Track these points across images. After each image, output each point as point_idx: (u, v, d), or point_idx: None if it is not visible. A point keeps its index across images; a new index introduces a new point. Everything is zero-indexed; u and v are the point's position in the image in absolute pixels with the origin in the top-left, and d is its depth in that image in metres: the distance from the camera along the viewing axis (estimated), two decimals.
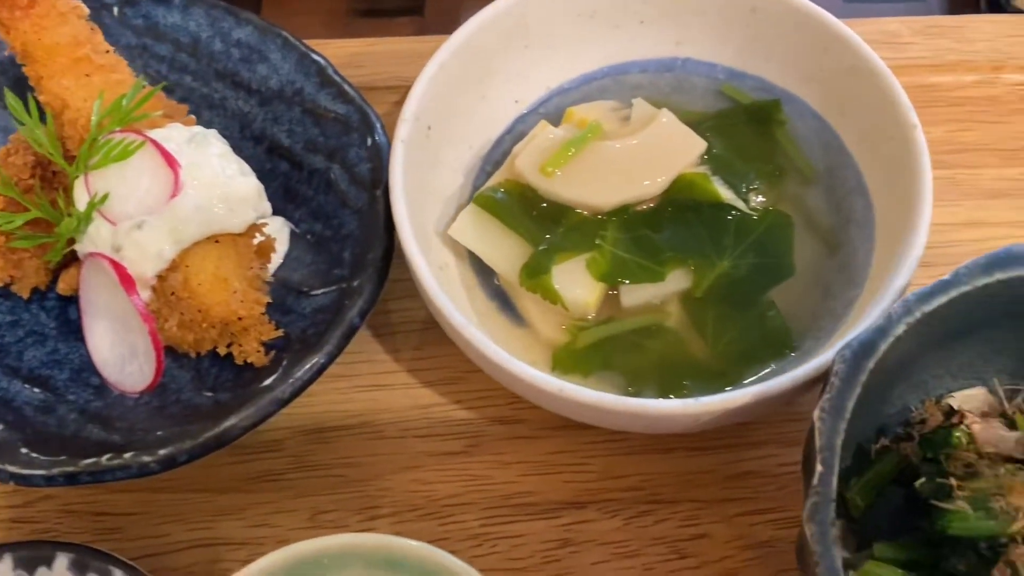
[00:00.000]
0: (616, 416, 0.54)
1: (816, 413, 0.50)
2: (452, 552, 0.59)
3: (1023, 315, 0.57)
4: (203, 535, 0.64)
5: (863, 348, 0.51)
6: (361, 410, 0.67)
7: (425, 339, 0.69)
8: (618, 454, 0.65)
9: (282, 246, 0.68)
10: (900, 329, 0.51)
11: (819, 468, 0.48)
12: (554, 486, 0.64)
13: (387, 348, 0.70)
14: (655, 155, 0.67)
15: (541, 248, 0.64)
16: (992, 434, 0.57)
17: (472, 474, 0.65)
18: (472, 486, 0.64)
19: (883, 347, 0.51)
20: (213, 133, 0.63)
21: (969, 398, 0.62)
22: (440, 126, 0.67)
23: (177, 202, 0.58)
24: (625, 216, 0.66)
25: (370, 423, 0.67)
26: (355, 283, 0.61)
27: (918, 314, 0.52)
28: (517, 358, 0.61)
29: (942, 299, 0.53)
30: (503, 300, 0.66)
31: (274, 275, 0.67)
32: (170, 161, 0.59)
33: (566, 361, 0.63)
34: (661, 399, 0.54)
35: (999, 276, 0.53)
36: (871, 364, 0.50)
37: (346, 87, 0.70)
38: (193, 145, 0.60)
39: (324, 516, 0.63)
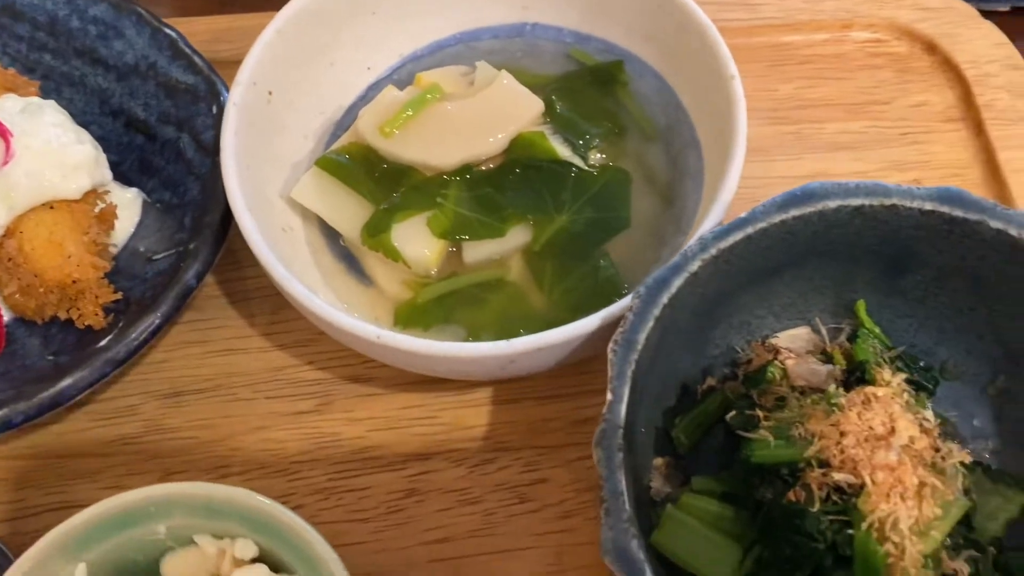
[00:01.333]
0: (431, 360, 0.56)
1: (609, 347, 0.52)
2: (298, 507, 0.62)
3: (829, 253, 0.59)
4: (58, 499, 0.65)
5: (656, 284, 0.53)
6: (215, 374, 0.69)
7: (280, 304, 0.70)
8: (467, 407, 0.67)
9: (135, 216, 0.69)
10: (695, 265, 0.53)
11: (608, 396, 0.50)
12: (402, 439, 0.66)
13: (242, 313, 0.71)
14: (494, 115, 0.68)
15: (382, 207, 0.66)
16: (805, 368, 0.60)
17: (322, 432, 0.66)
18: (321, 443, 0.66)
19: (677, 282, 0.53)
20: (51, 104, 0.64)
21: (794, 338, 0.64)
22: (283, 92, 0.68)
23: (8, 169, 0.59)
24: (467, 176, 0.68)
25: (223, 386, 0.68)
26: (192, 246, 0.62)
27: (714, 251, 0.54)
28: (363, 317, 0.62)
29: (738, 236, 0.55)
30: (350, 261, 0.68)
31: (127, 244, 0.68)
32: (1, 130, 0.60)
33: (407, 316, 0.65)
34: (471, 342, 0.56)
35: (794, 213, 0.56)
36: (664, 299, 0.52)
37: (196, 59, 0.71)
38: (26, 115, 0.61)
39: (175, 476, 0.65)
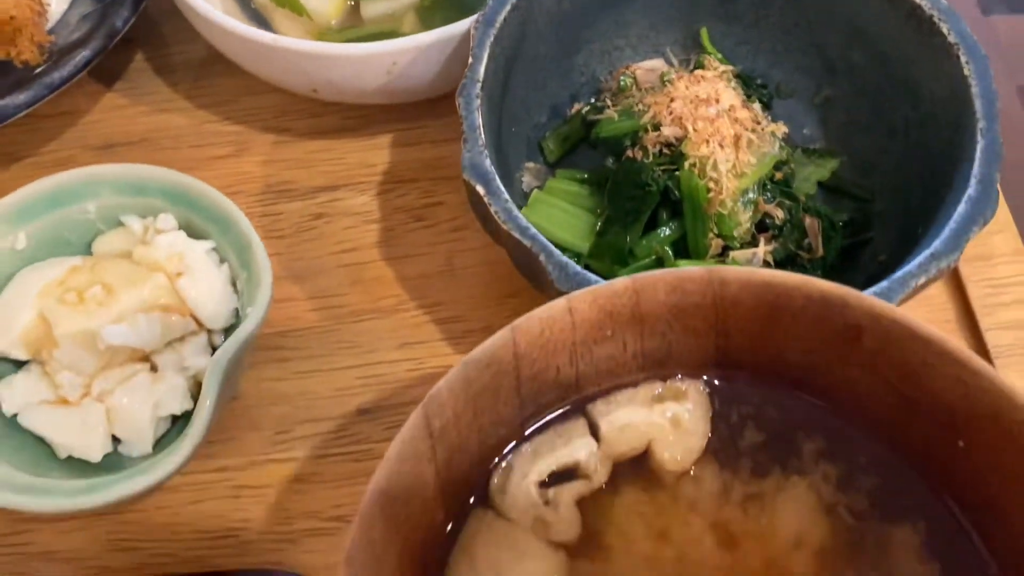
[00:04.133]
0: (323, 63, 0.64)
1: (471, 25, 0.60)
2: None
3: None
4: None
5: None
6: (143, 131, 0.76)
7: (202, 73, 0.79)
8: (372, 149, 0.75)
9: None
10: None
11: (470, 60, 0.59)
12: (312, 176, 0.74)
13: (167, 82, 0.79)
14: None
15: None
16: (652, 76, 0.69)
17: (239, 171, 0.74)
18: (239, 180, 0.74)
19: None
20: None
21: (650, 69, 0.73)
22: None
23: None
24: None
25: (151, 139, 0.76)
26: None
27: None
28: None
29: None
30: (260, 21, 0.76)
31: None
32: None
33: None
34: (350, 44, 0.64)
35: None
36: None
37: None
38: None
39: None
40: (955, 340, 0.42)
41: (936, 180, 0.60)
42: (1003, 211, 0.70)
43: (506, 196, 0.53)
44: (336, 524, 0.60)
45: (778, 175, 0.63)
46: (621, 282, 0.44)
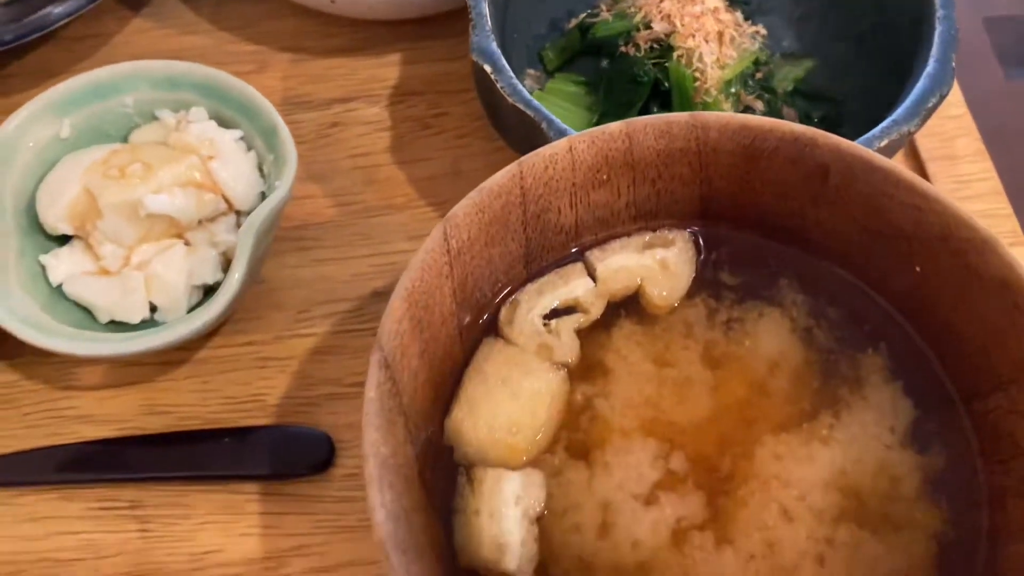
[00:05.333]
0: None
1: None
2: None
3: None
4: None
5: None
6: (169, 52, 0.81)
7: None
8: (381, 67, 0.80)
9: None
10: None
11: None
12: (327, 89, 0.80)
13: (191, 7, 0.84)
14: None
15: None
16: None
17: (261, 85, 0.78)
18: (260, 93, 0.79)
19: None
20: None
21: None
22: None
23: None
24: None
25: (177, 59, 0.80)
26: None
27: None
28: None
29: None
30: None
31: None
32: None
33: None
34: None
35: None
36: None
37: None
38: None
39: None
40: (909, 171, 0.48)
41: (901, 78, 0.66)
42: (966, 119, 0.76)
43: (511, 73, 0.59)
44: (356, 389, 0.65)
45: (758, 74, 0.68)
46: (616, 126, 0.50)
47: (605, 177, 0.51)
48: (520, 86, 0.58)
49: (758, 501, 0.48)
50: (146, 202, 0.60)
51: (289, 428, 0.63)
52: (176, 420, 0.65)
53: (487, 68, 0.59)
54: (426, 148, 0.76)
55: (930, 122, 0.63)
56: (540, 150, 0.49)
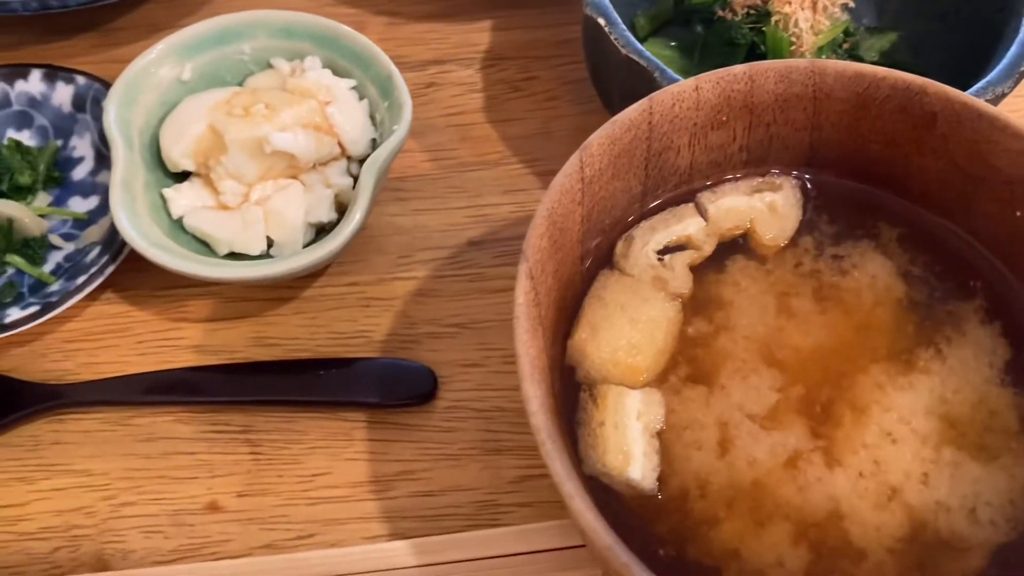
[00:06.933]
0: None
1: None
2: None
3: None
4: None
5: None
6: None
7: None
8: (473, 32, 0.84)
9: None
10: None
11: None
12: (422, 52, 0.83)
13: None
14: None
15: None
16: None
17: None
18: None
19: None
20: None
21: None
22: None
23: None
24: None
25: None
26: None
27: None
28: None
29: None
30: None
31: None
32: None
33: None
34: None
35: None
36: None
37: None
38: None
39: None
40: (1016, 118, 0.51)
41: (986, 52, 0.69)
42: None
43: (623, 26, 0.62)
44: (455, 329, 0.68)
45: (846, 44, 0.72)
46: (740, 68, 0.53)
47: (724, 119, 0.55)
48: (632, 37, 0.61)
49: (864, 424, 0.50)
50: (272, 138, 0.63)
51: (394, 360, 0.66)
52: (285, 352, 0.68)
53: (601, 21, 0.62)
54: (517, 109, 0.80)
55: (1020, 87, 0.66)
56: (669, 87, 0.52)
